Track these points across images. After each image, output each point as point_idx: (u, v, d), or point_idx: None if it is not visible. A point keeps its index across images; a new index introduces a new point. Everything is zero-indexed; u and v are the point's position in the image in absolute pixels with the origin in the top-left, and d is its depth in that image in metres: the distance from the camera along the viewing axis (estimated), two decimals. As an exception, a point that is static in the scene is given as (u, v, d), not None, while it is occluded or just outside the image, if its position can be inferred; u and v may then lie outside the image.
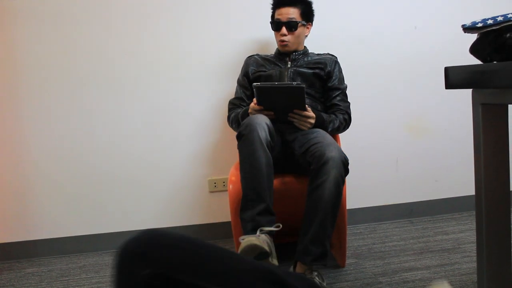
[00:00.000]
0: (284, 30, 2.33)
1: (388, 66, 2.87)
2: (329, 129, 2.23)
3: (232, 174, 2.26)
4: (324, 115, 2.24)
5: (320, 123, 2.20)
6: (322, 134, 2.11)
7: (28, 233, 2.68)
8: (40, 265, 2.56)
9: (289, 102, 2.08)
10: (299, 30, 2.35)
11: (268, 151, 1.95)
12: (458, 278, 2.04)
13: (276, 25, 2.36)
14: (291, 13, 2.33)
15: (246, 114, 2.23)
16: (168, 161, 2.74)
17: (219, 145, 2.75)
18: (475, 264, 2.14)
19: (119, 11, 2.63)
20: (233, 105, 2.46)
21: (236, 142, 2.03)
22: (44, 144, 2.64)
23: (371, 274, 2.14)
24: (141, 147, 2.71)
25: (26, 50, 2.58)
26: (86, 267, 2.49)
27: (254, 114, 2.12)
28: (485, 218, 1.37)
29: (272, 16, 2.42)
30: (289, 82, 2.06)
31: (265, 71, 2.39)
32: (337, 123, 2.28)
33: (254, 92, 2.06)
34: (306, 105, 2.12)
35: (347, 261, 2.31)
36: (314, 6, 2.45)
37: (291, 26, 2.32)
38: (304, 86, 2.01)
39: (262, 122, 1.96)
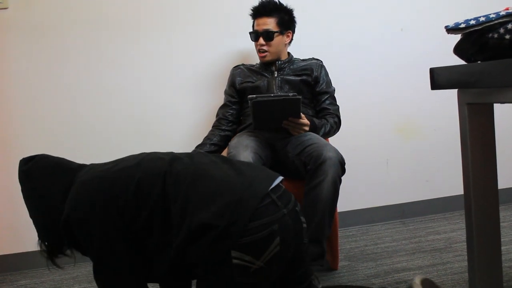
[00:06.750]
0: (261, 40, 2.33)
1: (376, 68, 2.89)
2: (321, 134, 2.24)
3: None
4: (316, 120, 2.25)
5: (312, 129, 2.20)
6: (315, 136, 2.15)
7: (20, 245, 2.66)
8: (33, 277, 2.53)
9: (285, 112, 2.07)
10: (276, 40, 2.34)
11: None
12: (450, 277, 2.06)
13: (254, 35, 2.37)
14: (268, 23, 2.33)
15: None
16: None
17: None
18: (466, 263, 2.16)
19: (108, 24, 2.62)
20: (218, 117, 2.46)
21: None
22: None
23: (364, 276, 2.15)
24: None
25: (15, 60, 2.57)
26: (79, 277, 2.47)
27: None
28: (474, 217, 1.38)
29: (253, 26, 2.42)
30: (285, 94, 2.05)
31: (252, 82, 2.38)
32: (328, 127, 2.29)
33: (249, 105, 2.02)
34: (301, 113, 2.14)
35: (340, 264, 2.31)
36: (300, 11, 2.46)
37: (267, 36, 2.32)
38: (300, 97, 2.01)
39: (245, 160, 1.97)
